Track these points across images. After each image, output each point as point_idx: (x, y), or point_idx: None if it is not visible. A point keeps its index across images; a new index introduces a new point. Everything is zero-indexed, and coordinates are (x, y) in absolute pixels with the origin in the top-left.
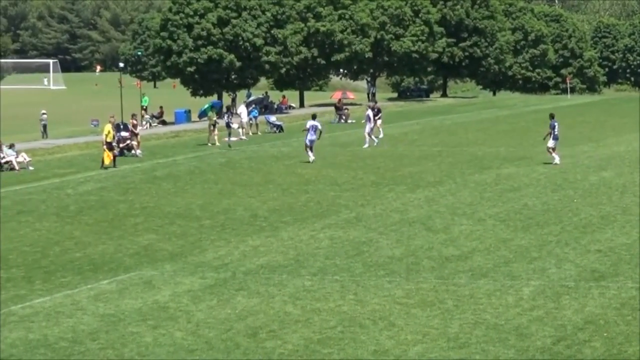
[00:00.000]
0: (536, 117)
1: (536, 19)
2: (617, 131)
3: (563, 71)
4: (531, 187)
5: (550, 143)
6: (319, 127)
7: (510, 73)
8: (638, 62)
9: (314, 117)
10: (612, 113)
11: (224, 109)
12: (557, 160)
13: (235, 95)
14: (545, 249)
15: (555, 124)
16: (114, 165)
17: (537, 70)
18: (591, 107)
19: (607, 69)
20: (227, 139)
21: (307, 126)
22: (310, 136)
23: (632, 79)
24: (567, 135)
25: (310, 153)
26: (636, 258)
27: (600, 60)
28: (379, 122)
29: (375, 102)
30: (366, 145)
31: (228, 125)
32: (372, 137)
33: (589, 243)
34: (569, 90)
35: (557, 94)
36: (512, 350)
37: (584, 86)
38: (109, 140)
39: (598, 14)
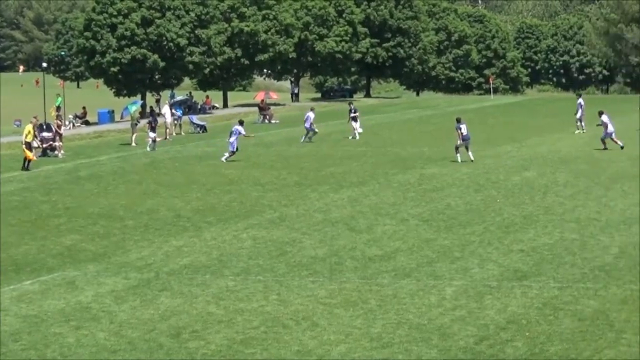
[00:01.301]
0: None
1: (460, 20)
2: (539, 131)
3: (486, 71)
4: (454, 187)
5: (459, 142)
6: (241, 132)
7: (433, 73)
8: (560, 62)
9: (240, 122)
10: (535, 113)
11: (148, 110)
12: (460, 158)
13: (160, 97)
14: (468, 248)
15: (462, 126)
16: (27, 168)
17: (460, 70)
18: (514, 108)
19: (529, 70)
20: (148, 139)
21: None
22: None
23: (555, 79)
24: (490, 135)
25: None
26: (558, 258)
27: (523, 61)
28: (354, 122)
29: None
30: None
31: (152, 128)
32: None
33: (512, 243)
34: (492, 90)
35: (480, 94)
36: (435, 349)
37: (507, 86)
38: (28, 140)
39: (521, 14)
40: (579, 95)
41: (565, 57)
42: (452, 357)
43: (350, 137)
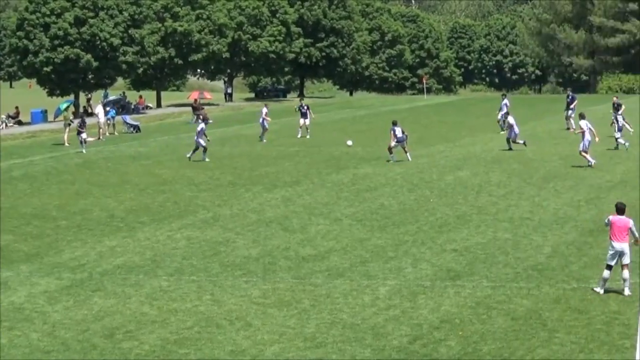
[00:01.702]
0: (393, 117)
1: (393, 20)
2: (472, 131)
3: (419, 71)
4: (387, 187)
5: (393, 143)
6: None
7: (367, 73)
8: (493, 62)
9: (205, 120)
10: (468, 113)
11: (81, 110)
12: (394, 158)
13: (91, 96)
14: (402, 248)
15: (396, 128)
16: None
17: (393, 70)
18: (447, 107)
19: (463, 69)
20: (81, 141)
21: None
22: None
23: (488, 79)
24: (423, 135)
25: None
26: (491, 257)
27: (456, 61)
28: (307, 121)
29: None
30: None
31: (79, 131)
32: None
33: (445, 242)
34: (425, 90)
35: (414, 94)
36: (369, 349)
37: (440, 86)
38: None
39: (454, 14)
40: (504, 96)
41: (498, 57)
42: (385, 357)
43: (299, 136)
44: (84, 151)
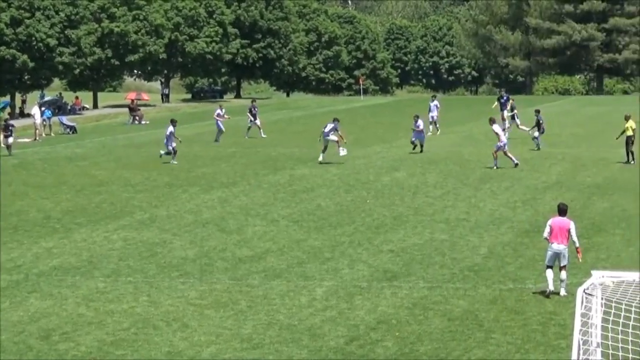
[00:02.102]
0: (329, 118)
1: (330, 21)
2: (409, 132)
3: (356, 72)
4: (324, 188)
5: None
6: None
7: (304, 74)
8: (430, 63)
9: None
10: (405, 114)
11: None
12: (343, 152)
13: (26, 97)
14: (339, 249)
15: (329, 124)
16: None
17: (330, 71)
18: (384, 108)
19: (399, 71)
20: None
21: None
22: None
23: (424, 80)
24: (360, 136)
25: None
26: (428, 258)
27: (393, 62)
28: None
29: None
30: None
31: (5, 135)
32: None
33: (382, 243)
34: (362, 91)
35: (351, 95)
36: (306, 350)
37: (377, 87)
38: None
39: (391, 15)
40: (434, 97)
41: (435, 58)
42: (322, 358)
43: (248, 136)
44: (10, 154)
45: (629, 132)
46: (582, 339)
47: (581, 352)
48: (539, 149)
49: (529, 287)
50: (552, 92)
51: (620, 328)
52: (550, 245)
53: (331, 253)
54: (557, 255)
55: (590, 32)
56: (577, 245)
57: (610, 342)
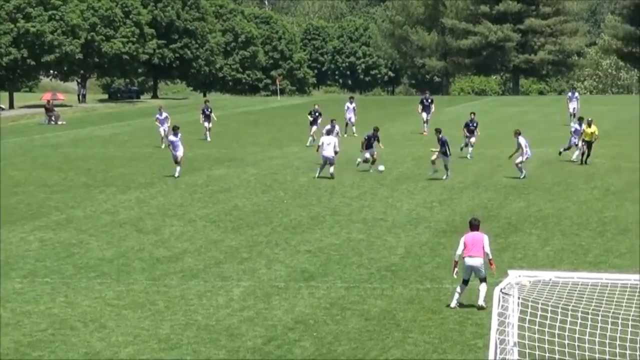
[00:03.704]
0: (247, 118)
1: (247, 21)
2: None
3: (273, 73)
4: (241, 188)
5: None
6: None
7: (220, 74)
8: (347, 64)
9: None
10: (322, 114)
11: None
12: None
13: None
14: (256, 249)
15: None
16: None
17: (247, 71)
18: (301, 109)
19: (316, 71)
20: None
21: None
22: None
23: (341, 80)
24: (277, 136)
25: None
26: (345, 258)
27: (310, 62)
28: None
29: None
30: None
31: None
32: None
33: (299, 243)
34: (278, 91)
35: (268, 95)
36: (223, 350)
37: (294, 88)
38: None
39: (307, 16)
40: (352, 99)
41: (352, 59)
42: (240, 358)
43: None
44: None
45: (587, 137)
46: (499, 338)
47: (498, 351)
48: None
49: (446, 287)
50: (469, 93)
51: (537, 327)
52: (464, 260)
53: (248, 253)
54: (472, 269)
55: (506, 32)
56: (491, 257)
57: (527, 342)
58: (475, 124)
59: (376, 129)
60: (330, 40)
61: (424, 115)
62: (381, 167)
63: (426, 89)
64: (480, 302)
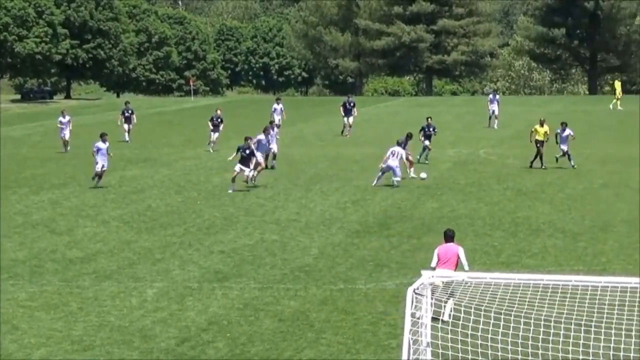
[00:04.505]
0: (160, 119)
1: (160, 21)
2: (240, 133)
3: (187, 73)
4: (155, 189)
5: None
6: None
7: (134, 75)
8: (260, 64)
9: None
10: (235, 115)
11: None
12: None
13: None
14: (169, 250)
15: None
16: None
17: (161, 72)
18: (214, 110)
19: (229, 71)
20: None
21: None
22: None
23: (255, 81)
24: (192, 137)
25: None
26: (259, 259)
27: (223, 63)
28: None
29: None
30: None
31: None
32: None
33: (212, 244)
34: (192, 92)
35: (181, 95)
36: (137, 351)
37: (207, 88)
38: None
39: (221, 16)
40: (278, 100)
41: (265, 59)
42: (154, 359)
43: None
44: None
45: (540, 137)
46: (412, 338)
47: (411, 351)
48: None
49: (360, 288)
50: (382, 93)
51: (449, 327)
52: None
53: (162, 254)
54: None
55: (419, 33)
56: (467, 269)
57: (440, 342)
58: (432, 128)
59: (409, 135)
60: (244, 41)
61: (346, 119)
62: (423, 175)
63: (347, 91)
64: (445, 316)
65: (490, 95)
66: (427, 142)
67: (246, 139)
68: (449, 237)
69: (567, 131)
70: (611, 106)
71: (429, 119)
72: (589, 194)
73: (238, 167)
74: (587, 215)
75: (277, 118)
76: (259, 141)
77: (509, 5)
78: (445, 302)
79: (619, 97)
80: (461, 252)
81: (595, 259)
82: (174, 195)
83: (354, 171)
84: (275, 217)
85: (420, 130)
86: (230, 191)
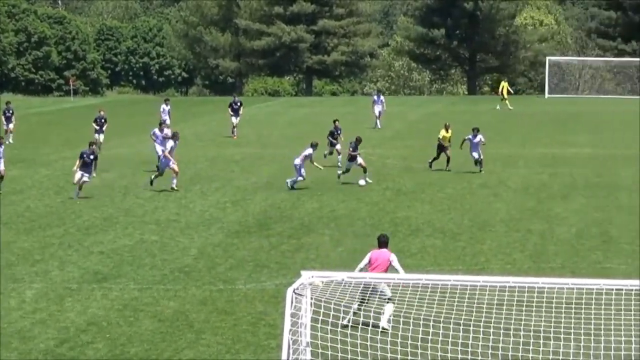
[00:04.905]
0: (40, 119)
1: (40, 21)
2: (120, 134)
3: (66, 73)
4: (34, 190)
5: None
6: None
7: (13, 75)
8: (140, 64)
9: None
10: (116, 115)
11: None
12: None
13: None
14: (48, 251)
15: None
16: None
17: (40, 72)
18: (95, 109)
19: (109, 71)
20: None
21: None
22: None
23: (135, 81)
24: (71, 137)
25: None
26: (139, 259)
27: (103, 63)
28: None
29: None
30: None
31: None
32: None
33: (92, 245)
34: (72, 92)
35: (61, 95)
36: (15, 353)
37: (87, 88)
38: None
39: (101, 16)
40: (167, 101)
41: (145, 59)
42: None
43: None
44: None
45: (445, 142)
46: (292, 338)
47: (291, 351)
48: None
49: (239, 288)
50: (262, 94)
51: (329, 327)
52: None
53: (41, 255)
54: (373, 289)
55: (299, 33)
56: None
57: (319, 342)
58: (339, 131)
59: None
60: (124, 41)
61: (234, 119)
62: (362, 182)
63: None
64: (383, 323)
65: (375, 97)
66: (338, 146)
67: (90, 144)
68: (382, 242)
69: (479, 137)
70: (498, 106)
71: (336, 122)
72: (468, 194)
73: (80, 173)
74: (466, 215)
75: (166, 118)
76: (171, 148)
77: (389, 5)
78: (384, 309)
79: (507, 96)
80: (394, 258)
81: (474, 259)
82: (53, 196)
83: (234, 171)
84: (155, 218)
85: (329, 135)
86: (75, 198)
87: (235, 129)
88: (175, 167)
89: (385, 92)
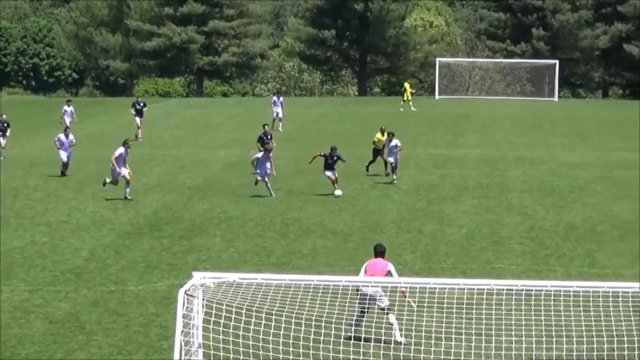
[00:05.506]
0: None
1: None
2: (11, 135)
3: None
4: None
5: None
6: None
7: None
8: (30, 65)
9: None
10: (12, 117)
11: None
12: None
13: None
14: None
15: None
16: None
17: None
18: None
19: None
20: None
21: None
22: None
23: (25, 82)
24: None
25: None
26: (29, 261)
27: None
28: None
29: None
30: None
31: None
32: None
33: None
34: None
35: None
36: None
37: None
38: None
39: None
40: (69, 102)
41: (35, 60)
42: None
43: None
44: None
45: (380, 146)
46: (183, 339)
47: (183, 352)
48: None
49: (131, 289)
50: (153, 95)
51: (221, 328)
52: (361, 289)
53: None
54: (370, 299)
55: (190, 34)
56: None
57: (211, 343)
58: (269, 136)
59: (334, 148)
60: (14, 41)
61: (137, 119)
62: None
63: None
64: (398, 337)
65: (274, 98)
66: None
67: None
68: (378, 252)
69: (394, 141)
70: (401, 108)
71: (266, 126)
72: (359, 195)
73: None
74: (357, 216)
75: (67, 120)
76: (120, 154)
77: (280, 6)
78: (389, 320)
79: (410, 97)
80: (391, 267)
81: (365, 260)
82: None
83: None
84: (46, 219)
85: (258, 140)
86: None
87: (139, 130)
88: (128, 176)
89: (276, 93)
